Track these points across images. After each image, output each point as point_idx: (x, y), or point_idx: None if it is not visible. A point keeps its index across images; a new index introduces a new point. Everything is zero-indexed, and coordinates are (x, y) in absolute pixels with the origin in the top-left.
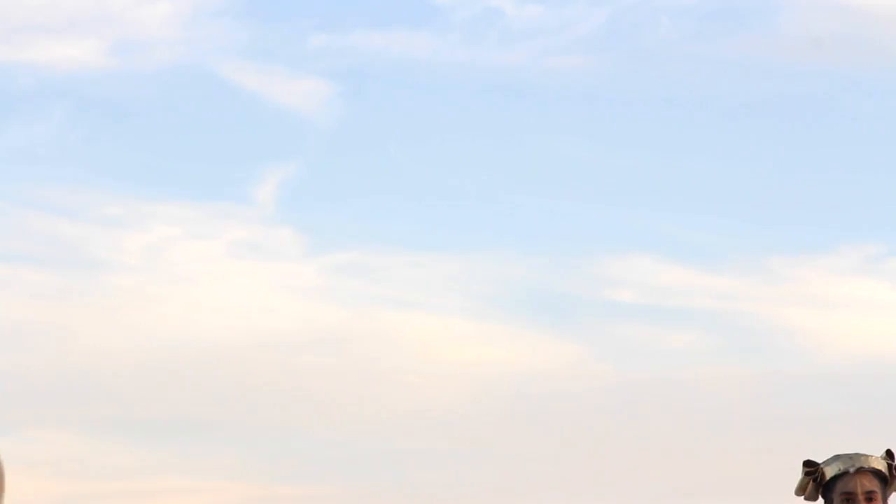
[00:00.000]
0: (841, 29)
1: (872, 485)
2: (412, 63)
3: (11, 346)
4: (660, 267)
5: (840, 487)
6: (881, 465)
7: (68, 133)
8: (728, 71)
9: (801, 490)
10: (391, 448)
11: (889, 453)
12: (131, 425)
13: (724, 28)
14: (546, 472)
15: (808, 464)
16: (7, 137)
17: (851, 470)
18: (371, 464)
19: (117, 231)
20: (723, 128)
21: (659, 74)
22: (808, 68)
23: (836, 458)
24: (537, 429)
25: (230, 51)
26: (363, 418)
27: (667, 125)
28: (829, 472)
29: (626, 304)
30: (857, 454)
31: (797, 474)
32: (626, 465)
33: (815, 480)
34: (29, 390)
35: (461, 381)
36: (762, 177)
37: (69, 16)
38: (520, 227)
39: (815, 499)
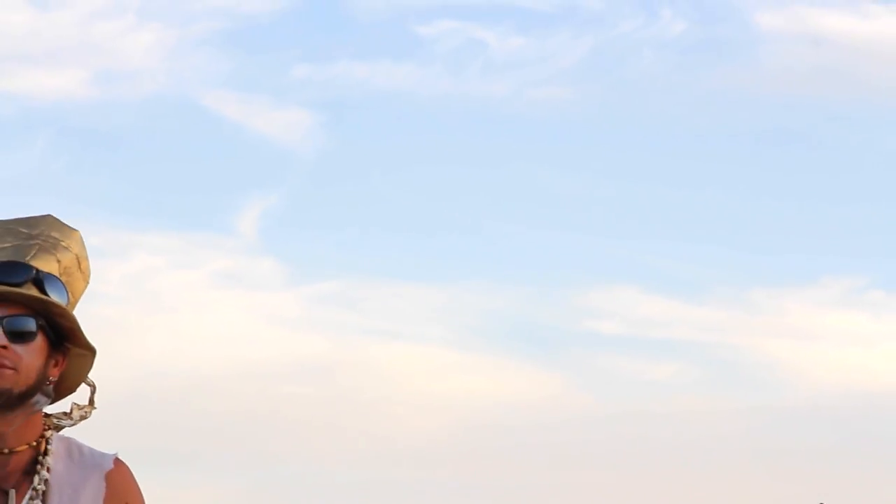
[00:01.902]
0: (822, 61)
1: None
2: (395, 94)
3: None
4: (643, 298)
5: None
6: None
7: (51, 162)
8: (710, 103)
9: None
10: (374, 478)
11: None
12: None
13: (705, 60)
14: (527, 502)
15: None
16: None
17: None
18: (354, 494)
19: (99, 261)
20: (705, 160)
21: (641, 106)
22: (789, 100)
23: None
24: (520, 459)
25: (213, 81)
26: (345, 448)
27: (650, 157)
28: None
29: (609, 335)
30: None
31: None
32: (608, 496)
33: None
34: None
35: (444, 411)
36: (745, 208)
37: (52, 45)
38: (503, 258)
39: None
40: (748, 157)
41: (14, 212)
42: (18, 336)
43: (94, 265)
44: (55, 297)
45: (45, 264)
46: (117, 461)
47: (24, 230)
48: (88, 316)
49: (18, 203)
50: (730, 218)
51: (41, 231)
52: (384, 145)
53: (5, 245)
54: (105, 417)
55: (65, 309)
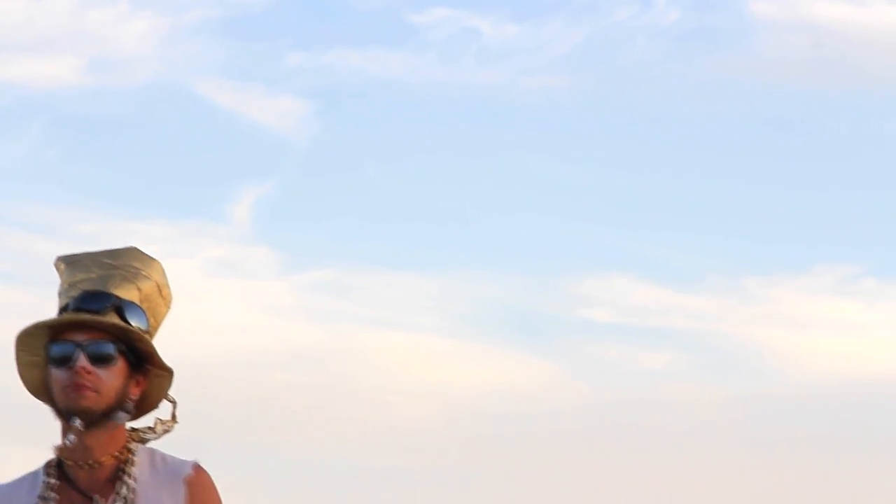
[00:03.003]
0: (817, 50)
1: None
2: (389, 82)
3: None
4: (636, 287)
5: None
6: None
7: (44, 150)
8: (704, 91)
9: None
10: (367, 467)
11: None
12: None
13: (700, 48)
14: (522, 491)
15: None
16: None
17: None
18: (347, 482)
19: (92, 249)
20: (699, 148)
21: (635, 94)
22: (784, 89)
23: None
24: (513, 447)
25: (207, 69)
26: (339, 437)
27: (643, 145)
28: None
29: (602, 323)
30: None
31: (772, 494)
32: (602, 484)
33: None
34: (2, 409)
35: (438, 400)
36: (738, 197)
37: (46, 33)
38: (497, 246)
39: None
40: (742, 145)
41: (7, 198)
42: (99, 360)
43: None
44: (134, 323)
45: (126, 292)
46: (196, 467)
47: (108, 261)
48: None
49: (12, 191)
50: (723, 206)
51: (124, 261)
52: (378, 134)
53: (91, 275)
54: None
55: (142, 335)
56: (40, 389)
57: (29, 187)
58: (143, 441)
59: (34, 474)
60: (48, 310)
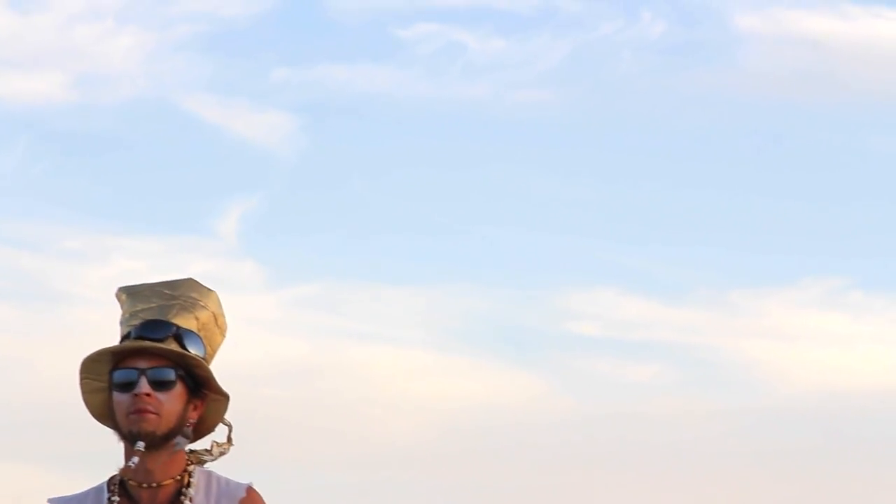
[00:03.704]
0: (802, 64)
1: None
2: (375, 96)
3: None
4: (623, 300)
5: None
6: None
7: (30, 166)
8: (690, 104)
9: None
10: (354, 481)
11: None
12: (94, 459)
13: (685, 62)
14: None
15: None
16: None
17: None
18: (334, 497)
19: (79, 264)
20: (685, 161)
21: (621, 107)
22: (769, 102)
23: None
24: (500, 461)
25: (193, 84)
26: (326, 451)
27: (629, 158)
28: None
29: (589, 337)
30: None
31: None
32: (589, 498)
33: None
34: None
35: (424, 414)
36: (725, 210)
37: (32, 49)
38: (483, 259)
39: None
40: (728, 159)
41: None
42: (160, 385)
43: (74, 269)
44: (193, 350)
45: (185, 321)
46: (250, 489)
47: (167, 291)
48: (69, 320)
49: None
50: (710, 220)
51: (182, 292)
52: (365, 148)
53: (151, 305)
54: (85, 421)
55: (200, 361)
56: (103, 413)
57: (15, 203)
58: (201, 463)
59: (97, 490)
60: (38, 325)
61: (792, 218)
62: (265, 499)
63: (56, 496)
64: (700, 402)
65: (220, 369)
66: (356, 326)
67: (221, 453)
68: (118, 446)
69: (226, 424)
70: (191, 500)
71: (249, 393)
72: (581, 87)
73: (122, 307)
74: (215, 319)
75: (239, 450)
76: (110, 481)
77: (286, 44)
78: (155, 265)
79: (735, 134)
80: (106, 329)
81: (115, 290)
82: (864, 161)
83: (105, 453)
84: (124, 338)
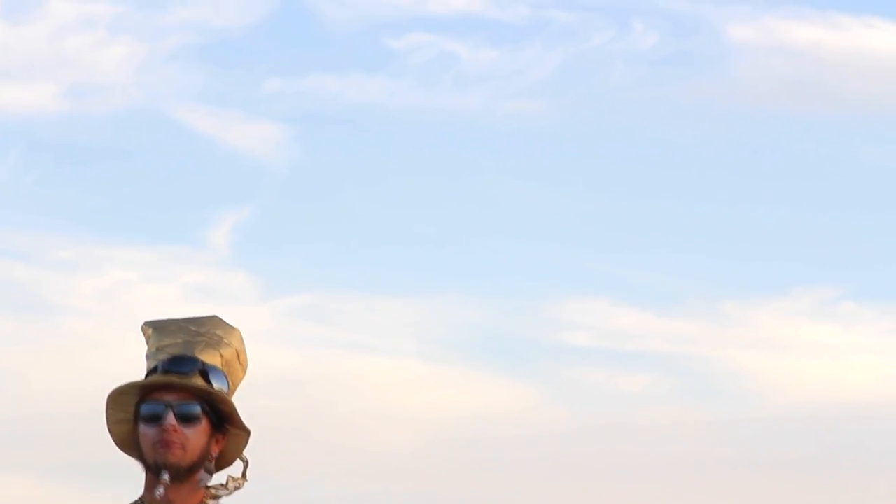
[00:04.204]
0: (793, 74)
1: None
2: (367, 107)
3: None
4: (615, 310)
5: None
6: None
7: (22, 176)
8: (682, 115)
9: None
10: (346, 492)
11: None
12: (86, 469)
13: (677, 73)
14: None
15: None
16: None
17: None
18: None
19: (71, 275)
20: (677, 171)
21: (613, 118)
22: (761, 112)
23: None
24: (493, 472)
25: (185, 94)
26: (318, 462)
27: (621, 169)
28: None
29: (581, 347)
30: None
31: None
32: None
33: None
34: None
35: (417, 424)
36: (716, 220)
37: (24, 59)
38: (475, 270)
39: None
40: (720, 168)
41: None
42: (186, 419)
43: (66, 279)
44: (217, 386)
45: (210, 358)
46: None
47: (193, 328)
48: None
49: None
50: (701, 230)
51: (207, 329)
52: (357, 158)
53: (177, 340)
54: (77, 431)
55: (225, 396)
56: (127, 444)
57: (7, 213)
58: (216, 497)
59: None
60: (30, 336)
61: (783, 228)
62: None
63: None
64: (692, 413)
65: None
66: (348, 337)
67: (237, 488)
68: (140, 475)
69: (243, 460)
70: None
71: (242, 404)
72: (573, 98)
73: (147, 341)
74: (238, 356)
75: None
76: None
77: (279, 54)
78: (147, 275)
79: (726, 144)
80: (99, 339)
81: (140, 324)
82: (855, 171)
83: (95, 465)
84: (151, 372)
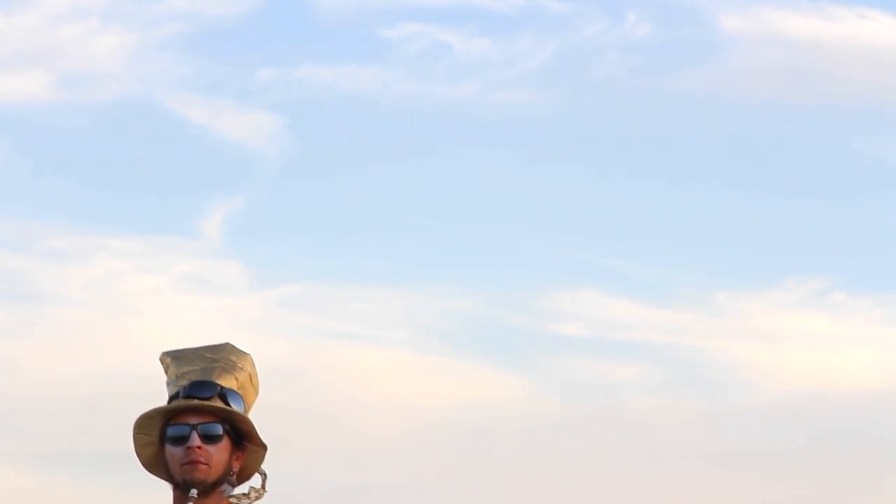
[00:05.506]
0: (788, 62)
1: None
2: (360, 96)
3: None
4: (607, 301)
5: None
6: None
7: (14, 166)
8: (674, 105)
9: None
10: (337, 482)
11: None
12: (78, 458)
13: (671, 62)
14: None
15: None
16: None
17: None
18: (316, 497)
19: (63, 264)
20: (670, 162)
21: (606, 108)
22: (754, 102)
23: None
24: (484, 462)
25: (177, 84)
26: (309, 452)
27: (614, 159)
28: None
29: (573, 337)
30: None
31: None
32: (573, 498)
33: None
34: None
35: (407, 414)
36: (709, 211)
37: (15, 49)
38: (466, 260)
39: None
40: (713, 159)
41: None
42: (209, 438)
43: (59, 268)
44: (235, 407)
45: (227, 382)
46: None
47: (209, 355)
48: (53, 319)
49: None
50: (694, 221)
51: (222, 356)
52: (349, 148)
53: (195, 367)
54: (69, 420)
55: (244, 416)
56: (154, 464)
57: None
58: None
59: None
60: (22, 324)
61: (776, 219)
62: None
63: None
64: (684, 403)
65: None
66: (339, 327)
67: (257, 498)
68: (168, 493)
69: (261, 474)
70: None
71: None
72: (566, 88)
73: (166, 370)
74: (251, 379)
75: None
76: None
77: (271, 44)
78: (139, 265)
79: (720, 134)
80: (91, 328)
81: (159, 354)
82: (848, 162)
83: (87, 453)
84: (173, 397)
